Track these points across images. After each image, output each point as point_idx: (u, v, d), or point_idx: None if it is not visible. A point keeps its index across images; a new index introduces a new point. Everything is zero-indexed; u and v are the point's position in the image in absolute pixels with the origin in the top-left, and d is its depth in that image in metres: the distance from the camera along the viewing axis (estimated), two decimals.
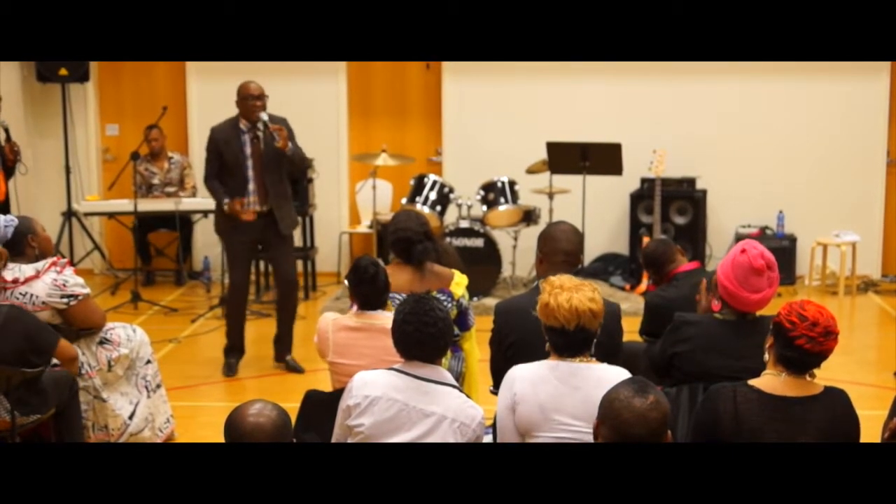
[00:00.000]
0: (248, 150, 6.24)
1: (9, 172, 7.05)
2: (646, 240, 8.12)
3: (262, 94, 6.21)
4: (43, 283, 4.53)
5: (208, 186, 6.42)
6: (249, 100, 6.18)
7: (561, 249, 3.99)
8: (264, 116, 6.15)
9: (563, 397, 3.18)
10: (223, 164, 6.30)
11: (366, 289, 4.03)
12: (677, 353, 3.71)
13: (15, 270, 4.51)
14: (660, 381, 3.74)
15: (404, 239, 4.52)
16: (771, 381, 3.04)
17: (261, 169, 6.23)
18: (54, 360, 4.49)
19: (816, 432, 2.96)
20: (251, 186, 6.25)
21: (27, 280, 4.51)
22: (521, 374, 3.26)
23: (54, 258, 4.66)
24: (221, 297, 7.78)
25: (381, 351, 3.78)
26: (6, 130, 7.07)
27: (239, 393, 6.13)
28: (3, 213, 4.82)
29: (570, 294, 3.20)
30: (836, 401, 3.04)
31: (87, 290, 4.67)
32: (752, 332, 3.56)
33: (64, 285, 4.56)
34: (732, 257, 3.65)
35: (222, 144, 6.23)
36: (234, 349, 6.49)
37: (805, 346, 2.97)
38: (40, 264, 4.60)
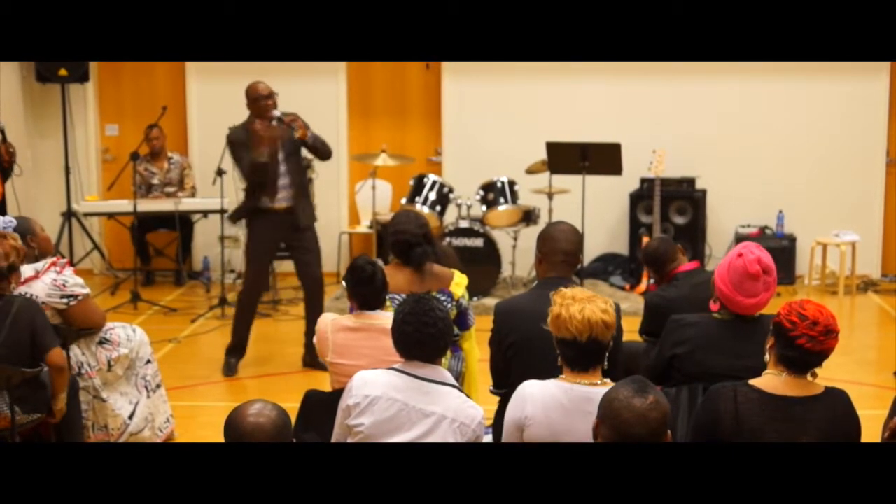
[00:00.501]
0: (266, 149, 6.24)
1: (5, 174, 7.05)
2: (645, 239, 8.13)
3: (272, 93, 6.23)
4: (42, 284, 4.53)
5: (244, 163, 6.28)
6: (261, 100, 6.18)
7: (560, 249, 3.98)
8: (277, 113, 6.16)
9: (574, 422, 3.11)
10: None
11: (364, 289, 4.03)
12: (677, 354, 3.70)
13: None
14: (660, 381, 3.74)
15: (403, 241, 4.52)
16: (772, 380, 3.04)
17: (277, 166, 6.24)
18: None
19: (817, 432, 2.96)
20: (270, 185, 6.25)
21: (27, 280, 4.51)
22: (533, 395, 3.17)
23: (54, 258, 4.66)
24: (221, 296, 7.78)
25: (381, 351, 3.78)
26: (2, 132, 7.07)
27: (239, 393, 6.13)
28: (0, 215, 4.82)
29: (583, 305, 3.14)
30: (837, 401, 3.04)
31: (86, 291, 4.67)
32: (752, 332, 3.56)
33: (63, 285, 4.56)
34: (729, 261, 3.66)
35: (241, 148, 6.21)
36: (237, 348, 6.49)
37: (806, 345, 2.97)
38: (40, 264, 4.60)
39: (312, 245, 6.46)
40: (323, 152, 6.40)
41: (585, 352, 3.15)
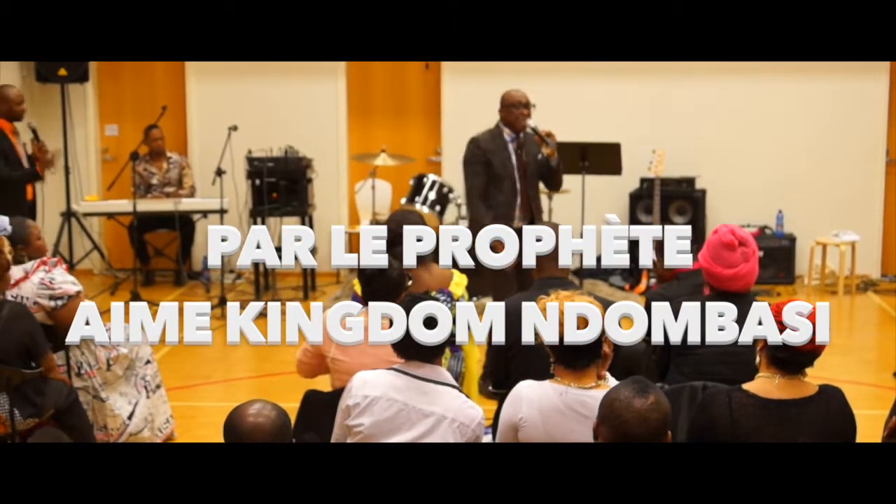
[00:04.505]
0: (514, 161, 5.99)
1: (36, 175, 7.02)
2: None
3: (529, 103, 5.99)
4: (31, 284, 4.48)
5: (475, 207, 5.95)
6: (517, 108, 5.94)
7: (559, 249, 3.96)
8: (532, 123, 5.94)
9: (571, 426, 3.09)
10: (490, 177, 5.97)
11: (365, 288, 4.01)
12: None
13: None
14: (660, 380, 3.74)
15: (400, 241, 4.49)
16: (765, 384, 3.05)
17: (524, 182, 5.98)
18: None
19: (812, 433, 2.96)
20: (518, 200, 5.98)
21: (17, 282, 4.45)
22: (529, 397, 3.16)
23: (43, 258, 4.61)
24: (220, 296, 7.78)
25: (385, 351, 3.77)
26: (34, 131, 7.08)
27: (239, 393, 6.12)
28: (30, 215, 4.73)
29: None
30: (831, 399, 3.05)
31: (77, 288, 4.60)
32: (739, 305, 3.55)
33: (51, 282, 4.50)
34: (707, 239, 3.87)
35: (491, 155, 5.95)
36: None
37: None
38: (29, 265, 4.53)
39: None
40: (558, 180, 6.14)
41: (575, 354, 3.11)
